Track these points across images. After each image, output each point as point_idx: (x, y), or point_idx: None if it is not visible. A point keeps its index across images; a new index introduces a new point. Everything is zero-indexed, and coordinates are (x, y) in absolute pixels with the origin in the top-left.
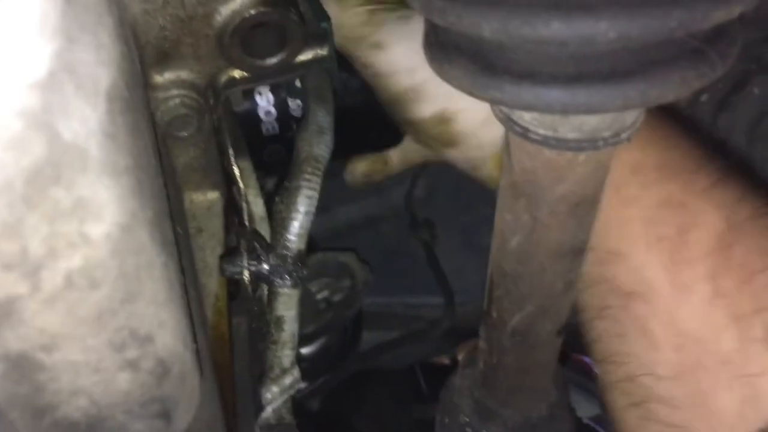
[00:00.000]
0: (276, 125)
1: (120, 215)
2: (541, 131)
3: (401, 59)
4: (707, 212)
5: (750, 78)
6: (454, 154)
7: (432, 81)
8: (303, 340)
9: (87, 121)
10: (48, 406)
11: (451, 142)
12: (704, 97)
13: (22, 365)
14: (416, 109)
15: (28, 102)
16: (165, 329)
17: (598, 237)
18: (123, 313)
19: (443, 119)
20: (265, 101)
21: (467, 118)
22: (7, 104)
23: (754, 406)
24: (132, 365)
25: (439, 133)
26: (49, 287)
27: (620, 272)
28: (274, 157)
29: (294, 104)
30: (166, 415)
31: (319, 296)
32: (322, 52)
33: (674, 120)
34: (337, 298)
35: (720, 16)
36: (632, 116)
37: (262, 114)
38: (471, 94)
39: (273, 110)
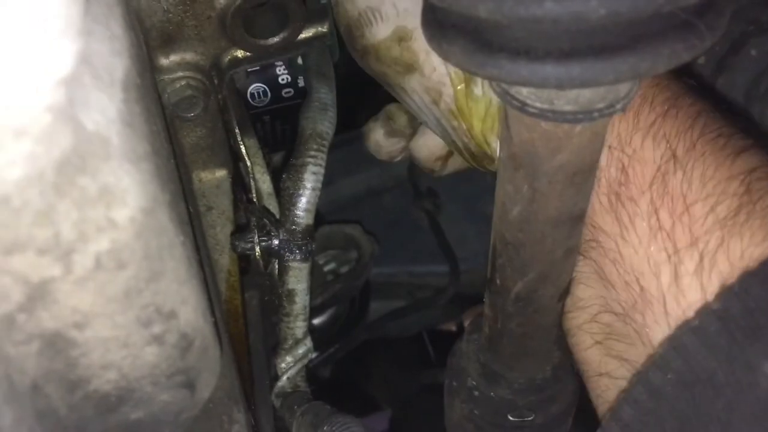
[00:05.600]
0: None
1: (142, 199)
2: (538, 104)
3: None
4: (647, 147)
5: (748, 39)
6: (415, 84)
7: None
8: (312, 311)
9: (106, 111)
10: (80, 380)
11: (410, 65)
12: (702, 60)
13: (56, 343)
14: (375, 30)
15: (56, 97)
16: (187, 305)
17: None
18: (148, 292)
19: (401, 37)
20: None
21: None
22: (37, 100)
23: None
24: (158, 339)
25: (398, 55)
26: (80, 269)
27: None
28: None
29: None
30: (190, 386)
31: (327, 268)
32: (323, 29)
33: None
34: (344, 269)
35: None
36: (626, 88)
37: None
38: (469, 71)
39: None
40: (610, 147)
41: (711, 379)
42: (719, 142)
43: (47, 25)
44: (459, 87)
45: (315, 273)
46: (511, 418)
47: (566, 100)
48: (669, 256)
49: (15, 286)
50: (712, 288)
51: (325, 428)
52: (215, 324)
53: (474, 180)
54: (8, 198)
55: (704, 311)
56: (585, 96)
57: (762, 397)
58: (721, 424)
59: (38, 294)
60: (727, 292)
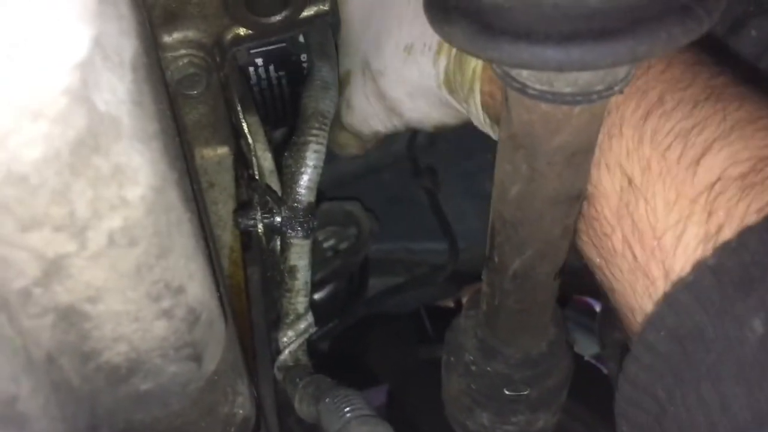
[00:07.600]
0: None
1: (152, 178)
2: (538, 86)
3: None
4: (605, 179)
5: (748, 20)
6: None
7: None
8: (312, 287)
9: (116, 91)
10: (93, 352)
11: None
12: None
13: (70, 316)
14: None
15: (71, 80)
16: (194, 280)
17: None
18: (158, 267)
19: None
20: None
21: None
22: (55, 84)
23: None
24: (167, 314)
25: None
26: (94, 246)
27: None
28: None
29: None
30: (197, 358)
31: (326, 245)
32: (324, 7)
33: None
34: (343, 246)
35: None
36: (624, 70)
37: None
38: (470, 53)
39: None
40: None
41: (701, 334)
42: (674, 151)
43: (65, 11)
44: None
45: (314, 249)
46: (507, 393)
47: (566, 82)
48: (649, 293)
49: (32, 261)
50: None
51: (326, 400)
52: (220, 298)
53: (473, 158)
54: (26, 177)
55: (699, 266)
56: (584, 78)
57: (749, 352)
58: (711, 379)
59: (54, 269)
60: (723, 247)
